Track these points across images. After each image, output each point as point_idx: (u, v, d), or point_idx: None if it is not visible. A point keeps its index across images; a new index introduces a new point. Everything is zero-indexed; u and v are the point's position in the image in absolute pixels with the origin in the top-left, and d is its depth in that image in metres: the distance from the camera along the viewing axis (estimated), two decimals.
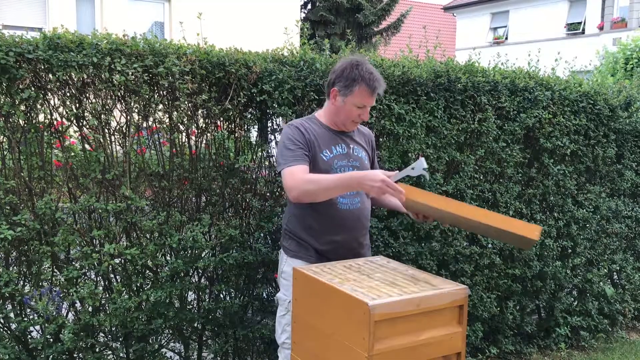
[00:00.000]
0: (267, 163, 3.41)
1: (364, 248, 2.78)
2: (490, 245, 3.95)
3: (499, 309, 4.01)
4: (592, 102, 4.31)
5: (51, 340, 2.92)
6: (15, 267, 2.88)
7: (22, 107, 2.74)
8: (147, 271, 3.12)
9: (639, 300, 4.92)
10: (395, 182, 2.30)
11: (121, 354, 3.11)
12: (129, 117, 2.95)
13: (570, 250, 4.40)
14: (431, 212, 2.50)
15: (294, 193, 2.47)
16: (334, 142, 2.66)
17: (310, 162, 2.56)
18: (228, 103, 3.11)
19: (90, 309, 2.97)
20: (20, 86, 2.69)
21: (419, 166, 2.27)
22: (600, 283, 4.54)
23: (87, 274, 3.00)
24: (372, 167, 2.88)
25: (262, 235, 3.34)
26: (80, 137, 2.90)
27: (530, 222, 4.10)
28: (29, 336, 2.94)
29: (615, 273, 4.83)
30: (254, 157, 3.37)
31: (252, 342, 3.45)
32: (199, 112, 3.14)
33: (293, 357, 2.53)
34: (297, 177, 2.47)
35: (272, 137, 3.39)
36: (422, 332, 2.22)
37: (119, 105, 2.94)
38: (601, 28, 20.33)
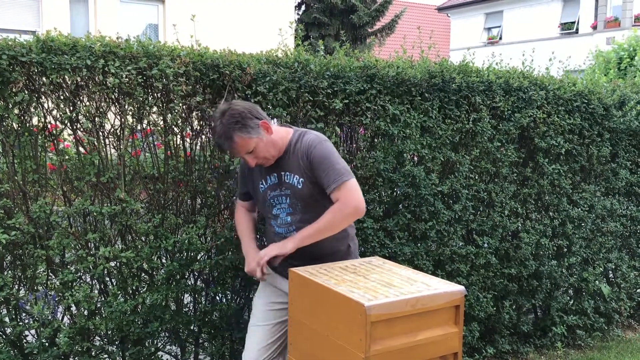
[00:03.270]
0: None
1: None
2: (486, 245, 3.96)
3: (495, 308, 4.01)
4: (586, 101, 4.32)
5: (47, 344, 2.91)
6: (10, 271, 2.86)
7: (16, 111, 2.72)
8: (143, 274, 3.11)
9: (634, 298, 4.94)
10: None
11: (117, 358, 3.10)
12: (123, 120, 2.94)
13: (565, 249, 4.41)
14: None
15: None
16: (268, 172, 2.68)
17: (251, 194, 2.83)
18: None
19: (85, 312, 2.96)
20: (14, 89, 2.68)
21: None
22: (596, 282, 4.55)
23: (83, 277, 2.99)
24: (318, 183, 2.57)
25: (257, 237, 3.33)
26: (74, 140, 2.89)
27: (525, 222, 4.15)
28: (25, 340, 2.92)
29: (610, 272, 4.84)
30: None
31: None
32: (194, 114, 3.13)
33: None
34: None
35: None
36: (419, 332, 2.22)
37: (113, 108, 2.93)
38: (595, 27, 20.43)
